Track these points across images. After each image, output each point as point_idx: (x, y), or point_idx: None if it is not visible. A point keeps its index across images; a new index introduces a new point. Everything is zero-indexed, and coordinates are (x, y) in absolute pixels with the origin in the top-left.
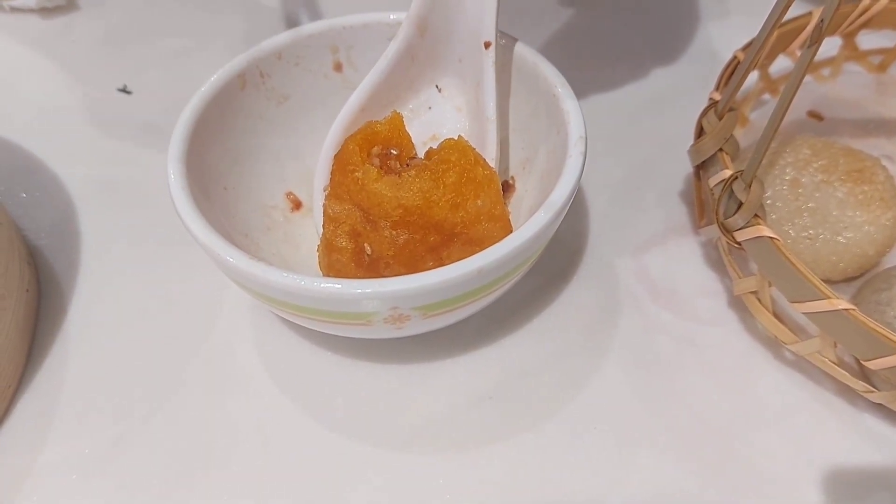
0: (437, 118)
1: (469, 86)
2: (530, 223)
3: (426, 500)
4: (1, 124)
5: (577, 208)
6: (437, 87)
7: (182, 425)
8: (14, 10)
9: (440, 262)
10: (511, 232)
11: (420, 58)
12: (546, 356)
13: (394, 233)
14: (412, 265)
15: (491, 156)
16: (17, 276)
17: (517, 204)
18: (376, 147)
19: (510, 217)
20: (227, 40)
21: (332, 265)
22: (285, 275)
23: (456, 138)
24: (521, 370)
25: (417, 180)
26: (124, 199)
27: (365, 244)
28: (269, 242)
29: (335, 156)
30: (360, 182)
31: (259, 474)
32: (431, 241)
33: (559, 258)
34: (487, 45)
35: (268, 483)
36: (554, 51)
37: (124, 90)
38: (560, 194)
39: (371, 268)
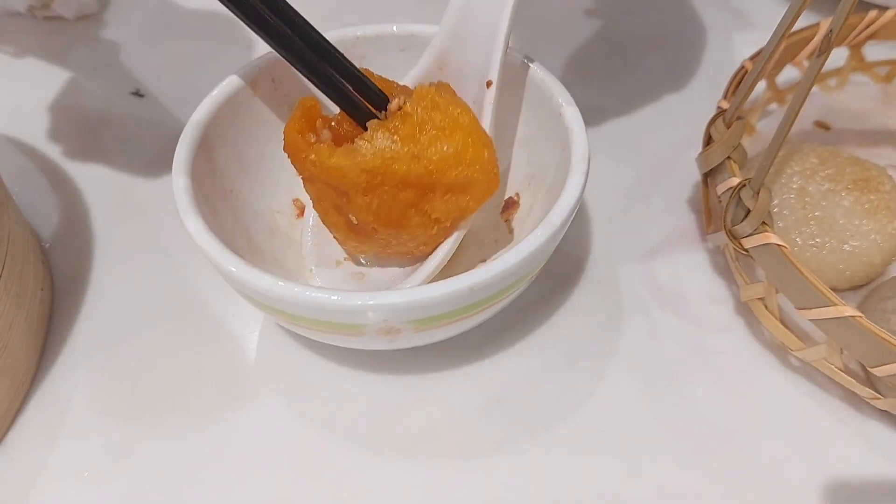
0: None
1: None
2: (526, 241)
3: None
4: (16, 126)
5: (585, 214)
6: None
7: (192, 424)
8: (47, 19)
9: (426, 217)
10: (496, 176)
11: None
12: (553, 361)
13: (366, 199)
14: (397, 224)
15: None
16: (31, 275)
17: (522, 219)
18: (319, 120)
19: (514, 232)
20: (240, 45)
21: (341, 241)
22: (279, 283)
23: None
24: (528, 375)
25: (371, 141)
26: (136, 200)
27: (349, 215)
28: (272, 247)
29: (284, 149)
30: (316, 163)
31: (267, 472)
32: (405, 197)
33: (567, 263)
34: (489, 84)
35: (275, 482)
36: (565, 57)
37: (137, 94)
38: (559, 213)
39: (364, 235)
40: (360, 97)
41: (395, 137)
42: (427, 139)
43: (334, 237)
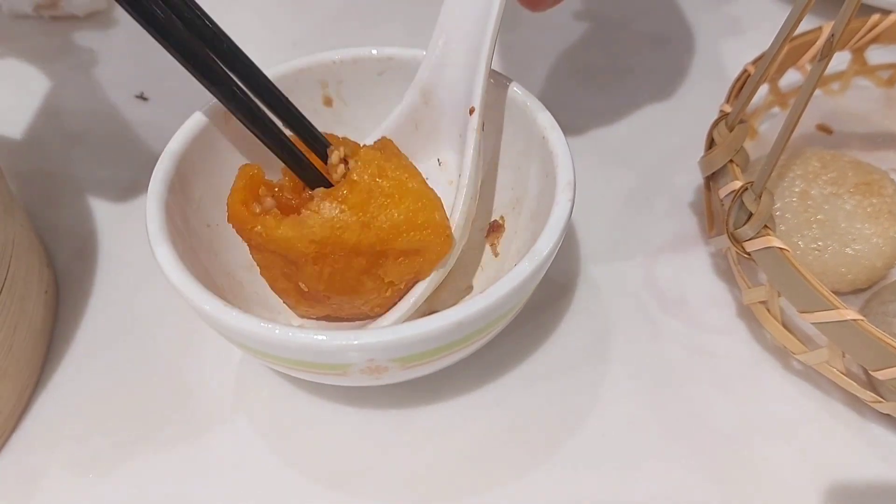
0: None
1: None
2: (513, 274)
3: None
4: (21, 129)
5: (587, 217)
6: (438, 160)
7: (196, 427)
8: (54, 19)
9: (380, 281)
10: (450, 239)
11: (424, 127)
12: (554, 364)
13: (316, 268)
14: (350, 291)
15: (456, 220)
16: (36, 278)
17: (507, 244)
18: (262, 188)
19: (500, 257)
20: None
21: (291, 307)
22: (260, 323)
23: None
24: (529, 378)
25: (318, 212)
26: (140, 203)
27: (299, 283)
28: (252, 281)
29: (228, 219)
30: (263, 235)
31: (269, 475)
32: (357, 264)
33: (569, 267)
34: (472, 110)
35: (276, 485)
36: (567, 62)
37: (141, 97)
38: (545, 243)
39: (314, 300)
40: (307, 152)
41: (343, 207)
42: (376, 206)
43: (284, 303)
